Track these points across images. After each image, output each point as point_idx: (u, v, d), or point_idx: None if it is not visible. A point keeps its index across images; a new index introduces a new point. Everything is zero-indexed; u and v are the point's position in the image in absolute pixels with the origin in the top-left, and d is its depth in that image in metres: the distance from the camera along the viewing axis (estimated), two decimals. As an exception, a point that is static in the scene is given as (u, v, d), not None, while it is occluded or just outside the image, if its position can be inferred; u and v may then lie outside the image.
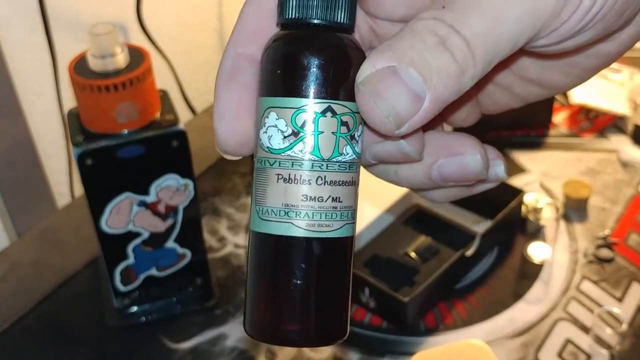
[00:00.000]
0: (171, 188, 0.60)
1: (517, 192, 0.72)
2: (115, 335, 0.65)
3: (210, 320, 0.65)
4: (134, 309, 0.66)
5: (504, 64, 0.31)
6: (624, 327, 0.62)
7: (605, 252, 0.70)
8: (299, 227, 0.27)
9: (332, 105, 0.27)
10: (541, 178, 0.81)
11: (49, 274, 0.72)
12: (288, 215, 0.27)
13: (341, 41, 0.27)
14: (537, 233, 0.73)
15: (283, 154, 0.27)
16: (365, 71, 0.25)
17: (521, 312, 0.65)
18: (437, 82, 0.24)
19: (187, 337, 0.64)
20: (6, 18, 0.75)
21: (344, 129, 0.27)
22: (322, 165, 0.27)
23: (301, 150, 0.27)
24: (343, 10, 0.27)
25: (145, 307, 0.66)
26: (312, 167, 0.27)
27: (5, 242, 0.79)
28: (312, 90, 0.27)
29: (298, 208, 0.27)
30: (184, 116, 0.93)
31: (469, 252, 0.67)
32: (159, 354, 0.63)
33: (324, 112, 0.27)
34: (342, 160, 0.27)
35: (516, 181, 0.80)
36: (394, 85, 0.24)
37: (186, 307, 0.66)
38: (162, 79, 0.76)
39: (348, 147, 0.27)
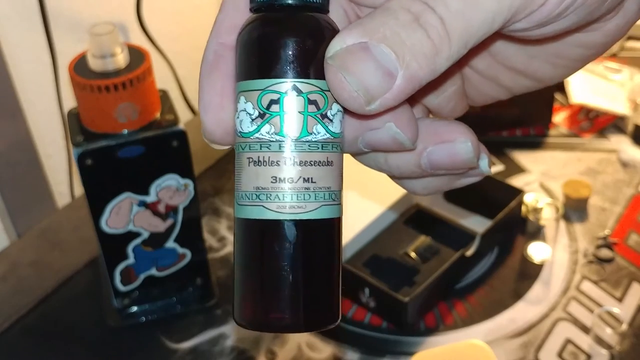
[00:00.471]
0: (171, 188, 0.60)
1: (517, 192, 0.72)
2: (115, 335, 0.65)
3: (210, 320, 0.65)
4: (134, 309, 0.66)
5: (483, 48, 0.31)
6: (624, 327, 0.62)
7: (605, 252, 0.70)
8: (270, 210, 0.27)
9: (297, 84, 0.26)
10: (541, 178, 0.81)
11: (49, 274, 0.72)
12: (259, 199, 0.27)
13: (306, 19, 0.27)
14: (537, 233, 0.73)
15: (252, 137, 0.27)
16: (335, 46, 0.25)
17: (521, 312, 0.65)
18: (410, 60, 0.24)
19: (187, 337, 0.64)
20: (6, 18, 0.75)
21: (312, 108, 0.26)
22: (291, 145, 0.26)
23: (268, 132, 0.26)
24: None
25: (145, 307, 0.66)
26: (279, 148, 0.26)
27: (5, 242, 0.79)
28: (274, 70, 0.26)
29: (268, 190, 0.26)
30: (184, 116, 0.93)
31: (469, 252, 0.67)
32: (159, 354, 0.63)
33: (287, 92, 0.26)
34: (313, 139, 0.26)
35: (516, 181, 0.80)
36: (365, 61, 0.24)
37: (186, 307, 0.66)
38: (162, 79, 0.76)
39: (319, 126, 0.26)
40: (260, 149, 0.27)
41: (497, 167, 0.82)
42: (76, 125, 0.58)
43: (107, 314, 0.66)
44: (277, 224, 0.27)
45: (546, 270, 0.69)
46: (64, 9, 0.80)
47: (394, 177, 0.30)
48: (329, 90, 0.26)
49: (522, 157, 0.84)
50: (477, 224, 0.72)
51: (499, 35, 0.25)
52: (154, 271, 0.64)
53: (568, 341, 0.62)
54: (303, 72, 0.26)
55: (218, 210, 0.79)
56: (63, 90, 0.81)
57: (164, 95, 0.61)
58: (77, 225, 0.78)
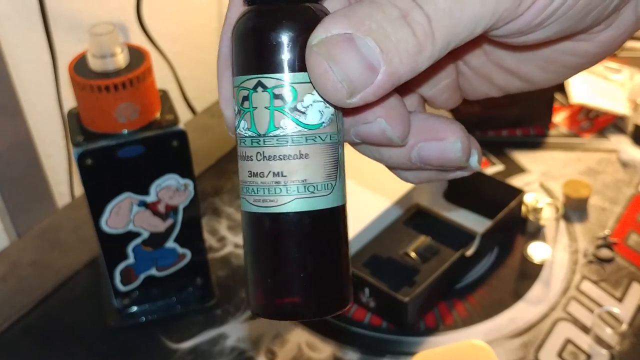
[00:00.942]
0: (171, 188, 0.60)
1: (517, 192, 0.72)
2: (115, 335, 0.65)
3: (210, 320, 0.66)
4: (134, 309, 0.66)
5: (476, 45, 0.31)
6: (624, 327, 0.62)
7: (605, 252, 0.70)
8: (249, 203, 0.27)
9: (262, 80, 0.26)
10: (541, 178, 0.81)
11: (49, 274, 0.72)
12: (243, 192, 0.28)
13: (277, 12, 0.26)
14: (537, 233, 0.73)
15: (237, 133, 0.28)
16: (319, 34, 0.24)
17: (521, 312, 0.65)
18: (393, 56, 0.24)
19: (187, 337, 0.64)
20: (6, 18, 0.75)
21: (278, 102, 0.26)
22: (260, 140, 0.27)
23: (243, 128, 0.27)
24: None
25: (145, 307, 0.66)
26: (251, 144, 0.27)
27: (5, 242, 0.79)
28: (244, 67, 0.27)
29: (247, 184, 0.27)
30: (184, 116, 0.93)
31: (469, 252, 0.67)
32: (159, 354, 0.63)
33: (255, 88, 0.26)
34: (281, 134, 0.26)
35: (516, 181, 0.80)
36: (349, 52, 0.24)
37: (186, 307, 0.66)
38: (162, 79, 0.76)
39: (287, 120, 0.26)
40: (240, 144, 0.28)
41: (497, 167, 0.82)
42: (76, 125, 0.58)
43: (107, 314, 0.66)
44: (254, 217, 0.27)
45: (546, 270, 0.69)
46: (64, 9, 0.80)
47: (387, 166, 0.31)
48: (300, 83, 0.26)
49: (522, 157, 0.84)
50: (477, 224, 0.72)
51: (486, 38, 0.25)
52: (154, 271, 0.64)
53: (568, 341, 0.62)
54: (268, 68, 0.26)
55: (218, 210, 0.79)
56: (63, 90, 0.81)
57: (164, 95, 0.61)
58: (77, 225, 0.78)
